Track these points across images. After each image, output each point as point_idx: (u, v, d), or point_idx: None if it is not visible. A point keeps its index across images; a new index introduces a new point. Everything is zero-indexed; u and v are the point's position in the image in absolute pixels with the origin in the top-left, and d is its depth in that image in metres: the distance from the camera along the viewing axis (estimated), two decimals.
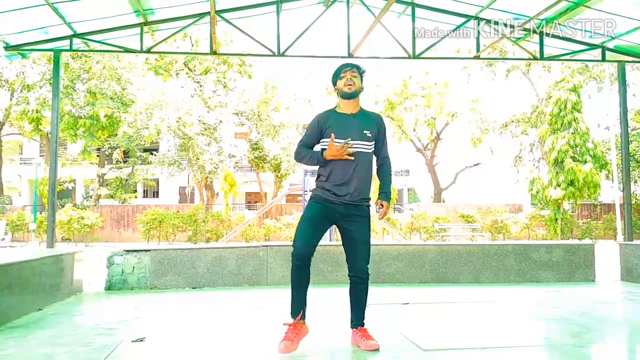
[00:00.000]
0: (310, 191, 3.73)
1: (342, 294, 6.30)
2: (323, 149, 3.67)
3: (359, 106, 3.79)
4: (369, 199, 3.78)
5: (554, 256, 7.51)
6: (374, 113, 3.90)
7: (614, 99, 20.51)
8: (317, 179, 3.79)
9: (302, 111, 25.28)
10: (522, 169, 30.14)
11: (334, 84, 3.80)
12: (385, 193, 3.80)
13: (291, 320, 3.62)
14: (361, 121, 3.72)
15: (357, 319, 3.77)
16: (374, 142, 3.74)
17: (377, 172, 3.89)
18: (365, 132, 3.68)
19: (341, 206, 3.65)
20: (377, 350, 3.58)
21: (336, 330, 4.21)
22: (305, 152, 3.77)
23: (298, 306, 3.63)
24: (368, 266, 3.74)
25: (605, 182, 22.62)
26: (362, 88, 3.78)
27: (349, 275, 3.74)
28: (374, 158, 3.81)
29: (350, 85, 3.71)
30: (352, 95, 3.72)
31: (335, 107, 3.83)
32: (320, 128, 3.71)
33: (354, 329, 3.76)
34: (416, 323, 4.64)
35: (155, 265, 6.82)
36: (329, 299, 6.11)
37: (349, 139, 3.61)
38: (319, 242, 3.67)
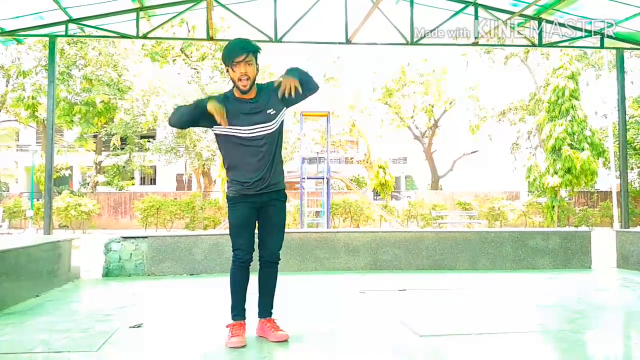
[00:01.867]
0: (229, 186, 3.46)
1: (340, 281, 6.33)
2: (214, 124, 3.37)
3: (255, 90, 3.42)
4: (283, 180, 3.60)
5: (551, 243, 7.53)
6: (266, 85, 3.48)
7: (612, 87, 20.48)
8: (227, 173, 3.56)
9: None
10: (520, 157, 30.17)
11: (226, 66, 3.36)
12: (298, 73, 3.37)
13: (232, 322, 3.51)
14: (262, 103, 3.40)
15: (266, 308, 3.61)
16: (281, 114, 3.46)
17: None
18: (268, 111, 3.40)
19: (261, 196, 3.47)
20: (286, 341, 3.47)
21: (330, 316, 4.23)
22: (182, 108, 3.47)
23: (241, 308, 3.53)
24: (280, 250, 3.60)
25: (602, 170, 22.66)
26: (258, 71, 3.38)
27: (260, 260, 3.58)
28: (282, 127, 3.53)
29: (246, 81, 3.32)
30: (247, 91, 3.37)
31: (232, 91, 3.46)
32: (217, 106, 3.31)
33: (262, 319, 3.60)
34: (413, 309, 4.66)
35: (152, 252, 6.83)
36: (325, 287, 6.14)
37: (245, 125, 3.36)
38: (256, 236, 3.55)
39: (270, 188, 3.49)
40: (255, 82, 3.43)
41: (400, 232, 7.75)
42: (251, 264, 3.51)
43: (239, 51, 3.29)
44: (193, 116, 3.40)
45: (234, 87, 3.43)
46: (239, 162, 3.46)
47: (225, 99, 3.41)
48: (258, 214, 3.54)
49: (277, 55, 24.65)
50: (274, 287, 3.64)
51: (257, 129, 3.39)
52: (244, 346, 3.37)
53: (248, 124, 3.39)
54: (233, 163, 3.49)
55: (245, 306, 3.54)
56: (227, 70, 3.38)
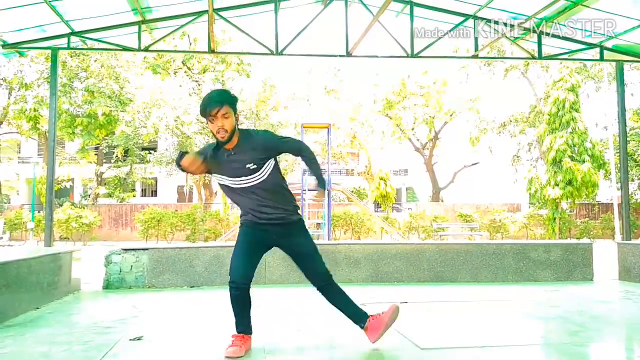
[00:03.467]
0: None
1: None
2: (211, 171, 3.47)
3: (236, 139, 3.39)
4: (294, 210, 3.58)
5: (552, 255, 7.52)
6: (255, 136, 3.46)
7: (612, 99, 20.54)
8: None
9: (300, 110, 25.27)
10: (521, 169, 30.19)
11: (204, 118, 3.36)
12: (315, 178, 3.50)
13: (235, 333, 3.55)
14: (242, 156, 3.38)
15: (358, 318, 3.66)
16: (267, 165, 3.41)
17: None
18: (248, 166, 3.36)
19: (272, 226, 3.50)
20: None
21: (331, 329, 4.21)
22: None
23: (246, 324, 3.54)
24: (326, 267, 3.62)
25: (603, 182, 22.64)
26: (237, 120, 3.38)
27: (316, 287, 3.61)
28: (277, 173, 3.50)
29: (224, 133, 3.30)
30: (226, 142, 3.36)
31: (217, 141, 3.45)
32: (206, 160, 3.40)
33: (363, 329, 3.67)
34: (414, 322, 4.64)
35: (153, 264, 6.81)
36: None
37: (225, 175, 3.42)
38: (257, 266, 3.55)
39: (279, 221, 3.51)
40: (240, 131, 3.43)
41: (401, 244, 7.74)
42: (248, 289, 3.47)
43: (213, 105, 3.29)
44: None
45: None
46: (239, 202, 3.55)
47: (216, 147, 3.44)
48: (280, 247, 3.59)
49: (277, 67, 24.82)
50: (345, 300, 3.65)
51: (241, 181, 3.42)
52: (240, 357, 3.37)
53: (232, 175, 3.43)
54: (235, 202, 3.58)
55: (251, 322, 3.56)
56: (207, 123, 3.39)
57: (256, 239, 3.53)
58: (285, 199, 3.55)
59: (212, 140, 3.49)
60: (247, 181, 3.40)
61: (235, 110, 3.37)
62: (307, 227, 3.68)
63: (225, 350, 3.42)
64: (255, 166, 3.38)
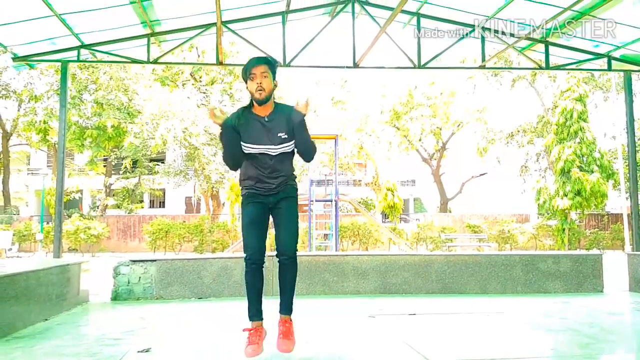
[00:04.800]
0: (241, 187, 3.61)
1: (349, 305, 6.28)
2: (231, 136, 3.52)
3: (272, 106, 3.56)
4: (294, 179, 3.69)
5: (562, 266, 7.46)
6: (288, 107, 3.61)
7: (621, 108, 20.45)
8: (240, 182, 3.72)
9: (308, 121, 25.32)
10: (529, 179, 30.04)
11: (245, 81, 3.52)
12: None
13: (250, 325, 3.59)
14: (275, 124, 3.52)
15: (285, 305, 3.67)
16: (292, 140, 3.57)
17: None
18: (279, 134, 3.51)
19: (270, 196, 3.60)
20: (290, 351, 3.53)
21: (339, 341, 4.19)
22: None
23: (256, 309, 3.61)
24: (296, 243, 3.65)
25: (612, 192, 22.49)
26: (276, 85, 3.53)
27: (277, 257, 3.65)
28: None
29: (261, 90, 3.45)
30: (263, 102, 3.49)
31: (250, 105, 3.59)
32: (236, 128, 3.51)
33: (280, 317, 3.67)
34: (423, 334, 4.61)
35: (161, 275, 6.82)
36: (334, 311, 6.09)
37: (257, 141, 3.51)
38: (267, 239, 3.67)
39: (278, 189, 3.60)
40: (274, 100, 3.57)
41: (409, 256, 7.71)
42: (264, 266, 3.58)
43: (255, 63, 3.47)
44: (228, 139, 3.50)
45: (252, 102, 3.54)
46: (249, 171, 3.61)
47: (242, 112, 3.55)
48: (272, 214, 3.66)
49: (285, 80, 24.92)
50: (293, 284, 3.67)
51: (269, 148, 3.51)
52: (260, 353, 3.42)
53: (261, 142, 3.51)
54: (246, 172, 3.63)
55: (262, 308, 3.62)
56: (246, 84, 3.52)
57: (259, 214, 3.61)
58: (291, 168, 3.68)
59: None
60: (274, 150, 3.52)
61: (274, 74, 3.51)
62: (297, 201, 3.73)
63: (244, 350, 3.43)
64: (286, 136, 3.52)
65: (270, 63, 3.51)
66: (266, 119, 3.52)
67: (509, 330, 4.88)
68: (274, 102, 3.58)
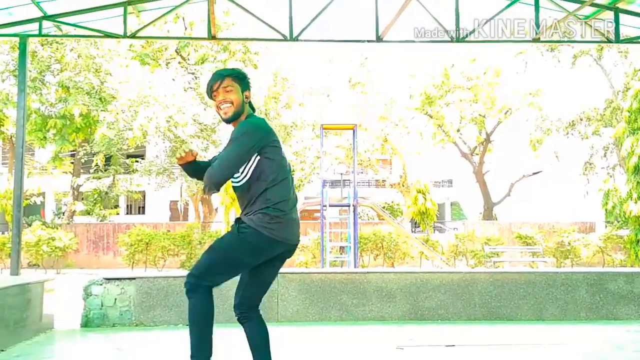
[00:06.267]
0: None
1: (372, 334, 6.28)
2: None
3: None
4: (244, 221, 3.59)
5: (636, 287, 7.41)
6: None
7: None
8: (273, 203, 3.67)
9: (319, 108, 25.34)
10: (594, 179, 29.85)
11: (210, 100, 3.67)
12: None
13: None
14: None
15: (197, 350, 3.57)
16: (250, 163, 3.51)
17: None
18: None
19: None
20: None
21: None
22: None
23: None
24: (195, 272, 3.58)
25: None
26: (245, 100, 3.60)
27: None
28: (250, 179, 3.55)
29: (226, 109, 3.56)
30: (230, 121, 3.59)
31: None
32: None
33: None
34: None
35: (141, 296, 6.86)
36: (353, 341, 6.10)
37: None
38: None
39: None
40: (247, 115, 3.60)
41: (446, 273, 7.70)
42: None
43: (215, 78, 3.62)
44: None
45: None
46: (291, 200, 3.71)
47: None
48: None
49: (291, 56, 24.94)
50: (190, 322, 3.57)
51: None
52: None
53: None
54: (283, 195, 3.66)
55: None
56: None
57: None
58: (249, 205, 3.57)
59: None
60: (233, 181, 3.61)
61: (243, 86, 3.61)
62: (243, 232, 3.57)
63: None
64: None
65: (233, 74, 3.63)
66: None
67: None
68: (249, 116, 3.62)
